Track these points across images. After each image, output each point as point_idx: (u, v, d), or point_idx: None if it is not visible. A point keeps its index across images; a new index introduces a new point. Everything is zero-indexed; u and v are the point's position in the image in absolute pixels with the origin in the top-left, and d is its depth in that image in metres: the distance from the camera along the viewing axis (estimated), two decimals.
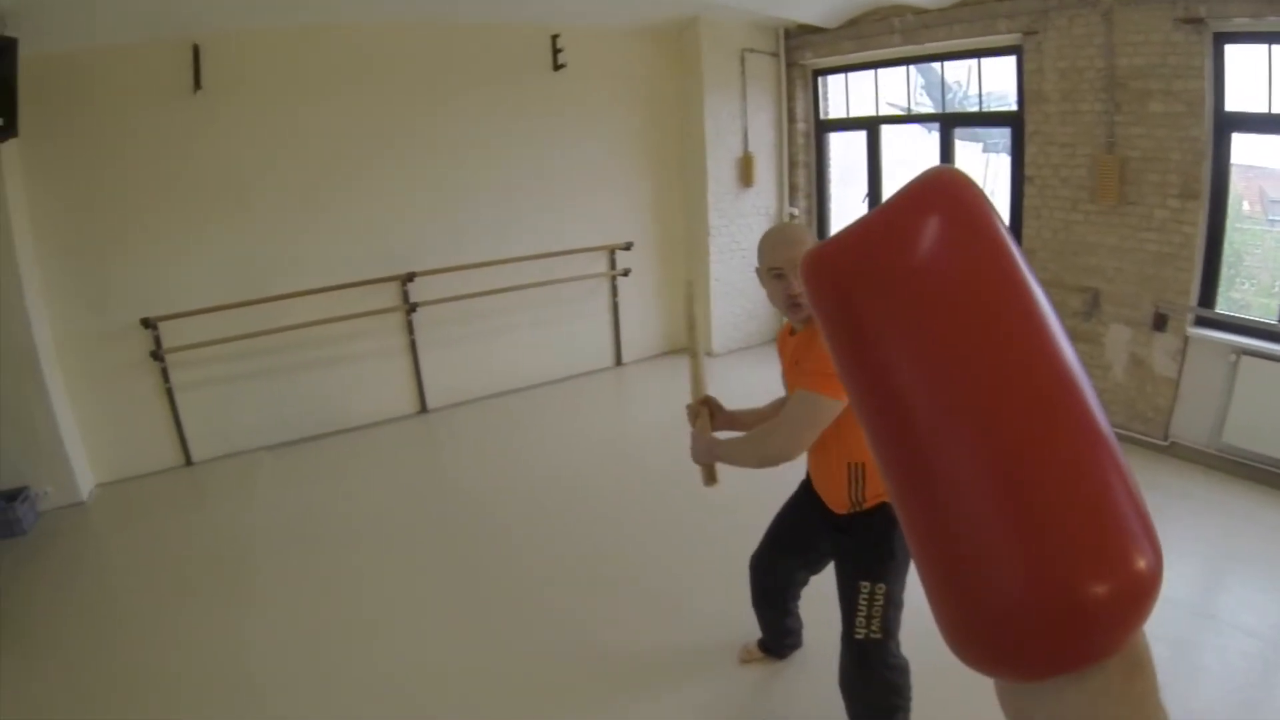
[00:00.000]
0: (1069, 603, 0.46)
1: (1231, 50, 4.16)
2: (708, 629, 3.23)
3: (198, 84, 4.79)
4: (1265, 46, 4.05)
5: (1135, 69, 4.42)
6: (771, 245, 2.16)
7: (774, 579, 2.79)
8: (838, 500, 2.28)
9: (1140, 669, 0.50)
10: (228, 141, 4.98)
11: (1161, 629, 3.13)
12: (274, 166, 5.15)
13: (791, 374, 2.21)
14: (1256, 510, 4.04)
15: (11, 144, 4.16)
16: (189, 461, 5.18)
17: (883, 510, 2.20)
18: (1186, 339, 4.49)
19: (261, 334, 5.15)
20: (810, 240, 2.14)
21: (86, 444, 4.82)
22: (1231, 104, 4.22)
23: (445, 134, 5.67)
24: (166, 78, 4.75)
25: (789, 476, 2.57)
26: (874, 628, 2.23)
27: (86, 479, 4.79)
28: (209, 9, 4.53)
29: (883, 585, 2.21)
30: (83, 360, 4.76)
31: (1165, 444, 4.64)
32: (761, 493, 2.90)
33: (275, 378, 5.39)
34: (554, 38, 5.89)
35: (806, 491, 2.51)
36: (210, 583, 3.82)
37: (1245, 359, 4.25)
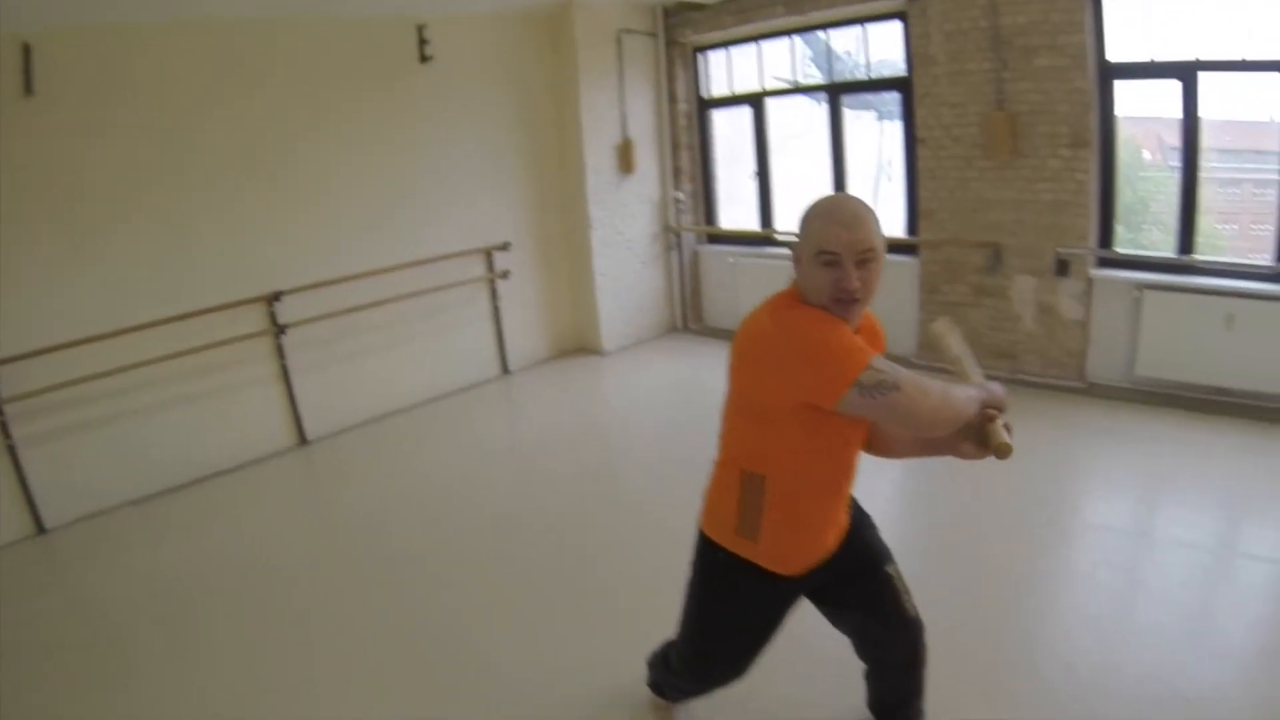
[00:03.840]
0: None
1: (1109, 2, 4.40)
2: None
3: (28, 88, 4.03)
4: None
5: (1019, 26, 4.59)
6: (824, 223, 1.59)
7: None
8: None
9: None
10: (64, 153, 4.19)
11: (1101, 555, 3.30)
12: (119, 179, 4.37)
13: None
14: (1176, 433, 4.29)
15: None
16: (41, 529, 4.29)
17: None
18: (1090, 281, 4.70)
19: (112, 373, 4.35)
20: (876, 221, 1.61)
21: None
22: (1112, 54, 4.46)
23: (309, 137, 5.08)
24: None
25: None
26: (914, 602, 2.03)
27: None
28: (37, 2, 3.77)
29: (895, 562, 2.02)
30: None
31: (1084, 386, 4.83)
32: None
33: (132, 421, 4.55)
34: (420, 28, 5.45)
35: (783, 587, 1.91)
36: (75, 663, 3.11)
37: (1148, 293, 4.48)
